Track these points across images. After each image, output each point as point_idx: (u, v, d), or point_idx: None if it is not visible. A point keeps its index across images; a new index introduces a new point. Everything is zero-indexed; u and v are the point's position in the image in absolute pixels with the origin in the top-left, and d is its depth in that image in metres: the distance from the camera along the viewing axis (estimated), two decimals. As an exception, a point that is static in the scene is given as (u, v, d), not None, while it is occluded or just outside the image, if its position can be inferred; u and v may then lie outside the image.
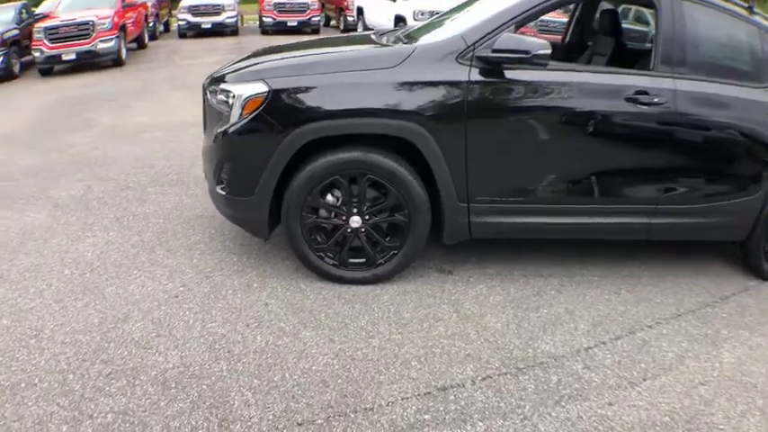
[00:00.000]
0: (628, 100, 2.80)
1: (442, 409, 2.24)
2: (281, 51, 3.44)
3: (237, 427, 2.15)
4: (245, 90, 2.82)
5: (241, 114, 2.83)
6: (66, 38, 10.72)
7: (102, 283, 3.15)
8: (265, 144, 2.82)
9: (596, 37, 4.15)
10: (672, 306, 2.93)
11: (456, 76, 2.74)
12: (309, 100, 2.80)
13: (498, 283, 3.14)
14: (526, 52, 2.60)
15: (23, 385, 2.38)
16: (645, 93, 2.80)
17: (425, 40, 3.09)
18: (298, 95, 2.79)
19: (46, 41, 10.66)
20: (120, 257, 3.45)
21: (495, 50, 2.67)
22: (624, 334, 2.71)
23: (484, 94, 2.77)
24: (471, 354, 2.56)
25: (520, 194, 2.95)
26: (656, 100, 2.80)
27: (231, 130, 2.87)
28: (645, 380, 2.40)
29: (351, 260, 3.06)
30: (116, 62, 11.39)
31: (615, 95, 2.81)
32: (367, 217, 2.96)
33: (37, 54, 10.76)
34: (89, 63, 11.26)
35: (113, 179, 4.79)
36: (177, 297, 3.01)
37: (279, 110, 2.79)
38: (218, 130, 2.94)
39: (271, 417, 2.20)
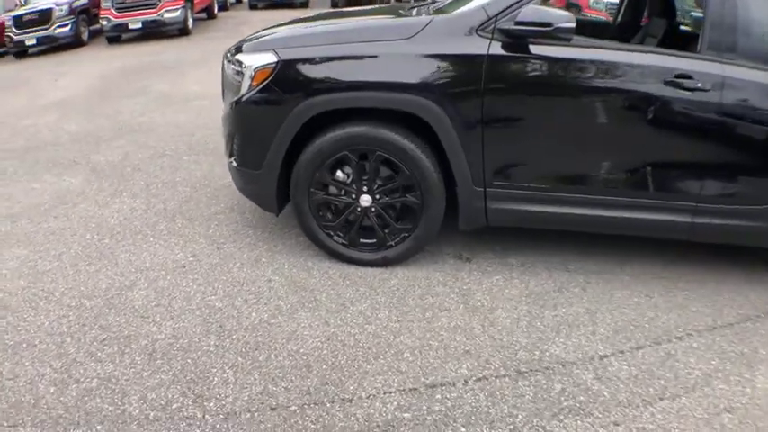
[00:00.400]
0: (667, 83, 2.46)
1: (425, 408, 2.08)
2: (303, 21, 3.32)
3: (211, 404, 2.11)
4: (255, 60, 2.73)
5: (251, 85, 2.74)
6: (132, 7, 11.13)
7: (118, 250, 3.20)
8: (273, 116, 2.72)
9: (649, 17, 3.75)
10: (708, 317, 2.59)
11: (474, 49, 2.51)
12: (318, 71, 2.66)
13: (518, 274, 2.91)
14: (548, 24, 2.33)
15: (25, 345, 2.46)
16: (688, 77, 2.45)
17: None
18: (306, 66, 2.66)
19: (113, 10, 11.12)
20: (140, 224, 3.49)
21: (517, 23, 2.41)
22: (647, 344, 2.42)
23: (504, 69, 2.52)
24: (471, 350, 2.37)
25: (541, 181, 2.69)
26: (699, 85, 2.45)
27: (241, 100, 2.79)
28: (662, 399, 2.12)
29: (362, 240, 2.94)
30: (182, 32, 11.69)
31: (652, 78, 2.48)
32: (377, 196, 2.81)
33: (104, 23, 11.26)
34: (156, 32, 11.62)
35: (152, 146, 4.89)
36: (185, 267, 3.01)
37: (287, 81, 2.68)
38: (231, 101, 2.88)
39: (246, 398, 2.13)
